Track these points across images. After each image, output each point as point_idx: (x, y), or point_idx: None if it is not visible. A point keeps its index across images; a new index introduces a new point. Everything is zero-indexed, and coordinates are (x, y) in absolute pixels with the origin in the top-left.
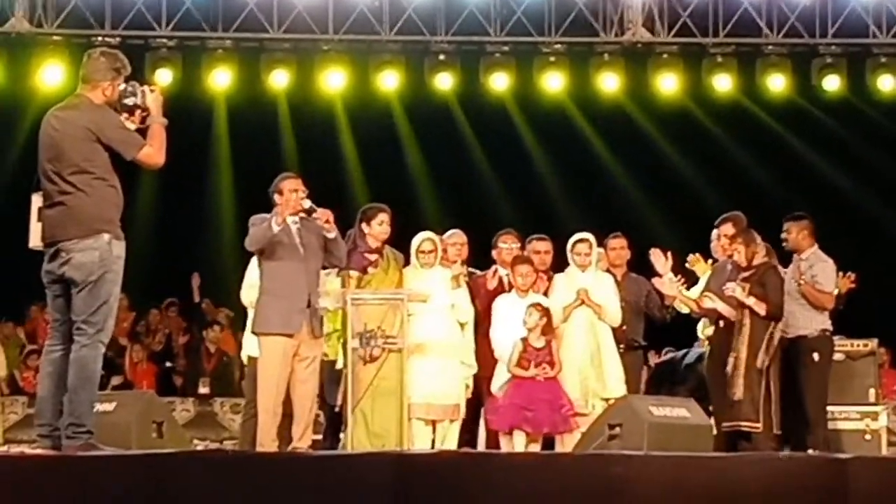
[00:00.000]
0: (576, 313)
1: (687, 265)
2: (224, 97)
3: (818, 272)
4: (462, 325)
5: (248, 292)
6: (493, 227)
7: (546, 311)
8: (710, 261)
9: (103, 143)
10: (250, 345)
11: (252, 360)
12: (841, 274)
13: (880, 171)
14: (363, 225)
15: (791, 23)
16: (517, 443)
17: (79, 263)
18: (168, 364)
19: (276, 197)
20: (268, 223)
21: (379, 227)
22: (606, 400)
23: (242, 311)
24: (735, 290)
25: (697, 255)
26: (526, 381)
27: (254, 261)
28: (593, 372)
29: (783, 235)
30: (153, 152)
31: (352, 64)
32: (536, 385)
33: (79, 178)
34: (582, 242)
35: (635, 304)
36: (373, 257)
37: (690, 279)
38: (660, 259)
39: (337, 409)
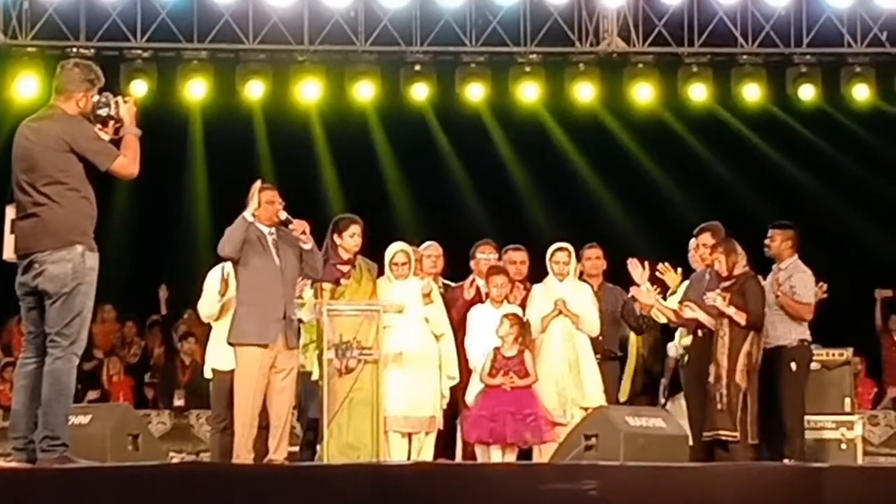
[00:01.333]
0: (554, 323)
1: (658, 274)
2: (199, 108)
3: (797, 283)
4: (438, 337)
5: (205, 304)
6: (469, 238)
7: (520, 321)
8: (679, 270)
9: (77, 153)
10: (214, 357)
11: (216, 372)
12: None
13: (855, 181)
14: (335, 236)
15: (766, 32)
16: (493, 453)
17: (52, 275)
18: (147, 377)
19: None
20: (240, 217)
21: (350, 239)
22: (586, 409)
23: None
24: (716, 299)
25: (667, 264)
26: (492, 391)
27: (211, 273)
28: (572, 381)
29: (766, 242)
30: (127, 163)
31: (327, 74)
32: (503, 395)
33: (52, 190)
34: (561, 251)
35: (611, 314)
36: (345, 269)
37: (666, 289)
38: (637, 269)
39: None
